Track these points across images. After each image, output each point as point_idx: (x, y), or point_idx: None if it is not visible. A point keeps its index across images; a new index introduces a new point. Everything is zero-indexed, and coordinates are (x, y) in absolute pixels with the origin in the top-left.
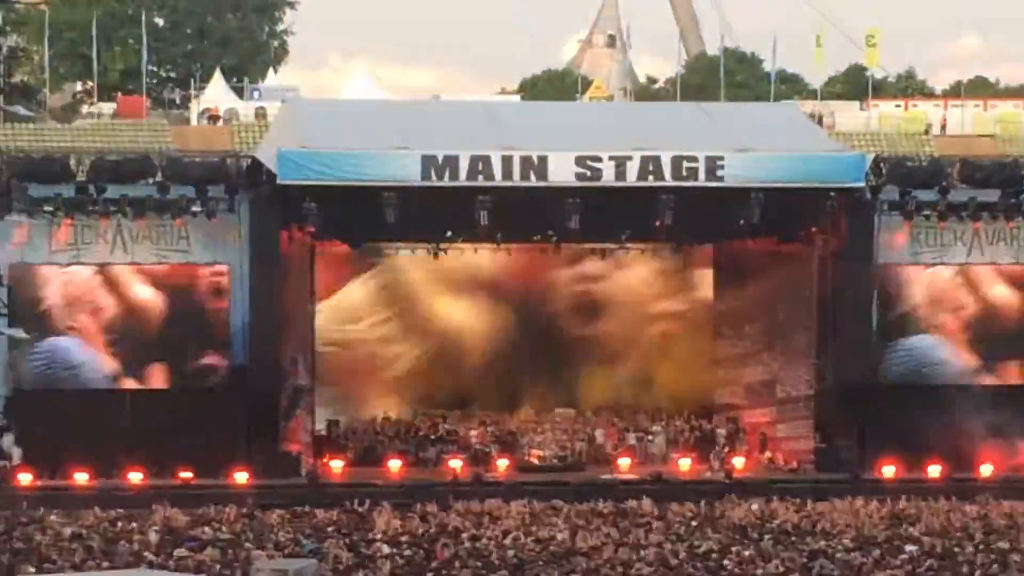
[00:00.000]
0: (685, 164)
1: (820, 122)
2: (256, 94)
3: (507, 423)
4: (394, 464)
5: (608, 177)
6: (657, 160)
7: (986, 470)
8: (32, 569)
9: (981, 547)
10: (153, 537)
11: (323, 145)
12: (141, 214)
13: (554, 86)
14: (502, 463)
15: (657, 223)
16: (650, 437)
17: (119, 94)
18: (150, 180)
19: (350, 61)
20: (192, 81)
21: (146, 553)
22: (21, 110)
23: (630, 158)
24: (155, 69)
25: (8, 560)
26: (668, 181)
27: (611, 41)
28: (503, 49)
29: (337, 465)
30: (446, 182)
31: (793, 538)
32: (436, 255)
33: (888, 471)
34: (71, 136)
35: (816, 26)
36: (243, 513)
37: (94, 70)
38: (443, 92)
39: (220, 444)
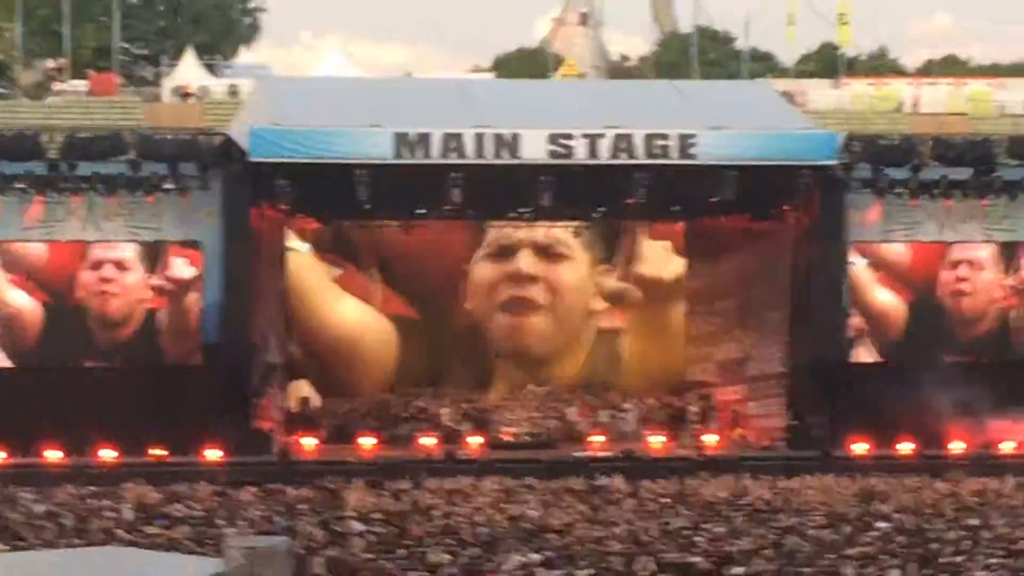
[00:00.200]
0: (658, 142)
1: (792, 100)
2: (228, 71)
3: (479, 401)
4: (366, 442)
5: (580, 155)
6: (630, 138)
7: (957, 447)
8: (3, 547)
9: (952, 524)
10: (128, 515)
11: (295, 123)
12: (113, 191)
13: (527, 64)
14: (474, 441)
15: (630, 201)
16: (622, 415)
17: (91, 71)
18: (122, 157)
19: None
20: (164, 58)
21: (118, 530)
22: None
23: (602, 136)
24: (127, 46)
25: None
26: (641, 159)
27: (584, 19)
28: (476, 27)
29: (309, 443)
30: (418, 160)
31: (765, 515)
32: (408, 232)
33: (859, 448)
34: (43, 113)
35: (788, 4)
36: (215, 491)
37: (66, 47)
38: (416, 70)
39: (192, 422)
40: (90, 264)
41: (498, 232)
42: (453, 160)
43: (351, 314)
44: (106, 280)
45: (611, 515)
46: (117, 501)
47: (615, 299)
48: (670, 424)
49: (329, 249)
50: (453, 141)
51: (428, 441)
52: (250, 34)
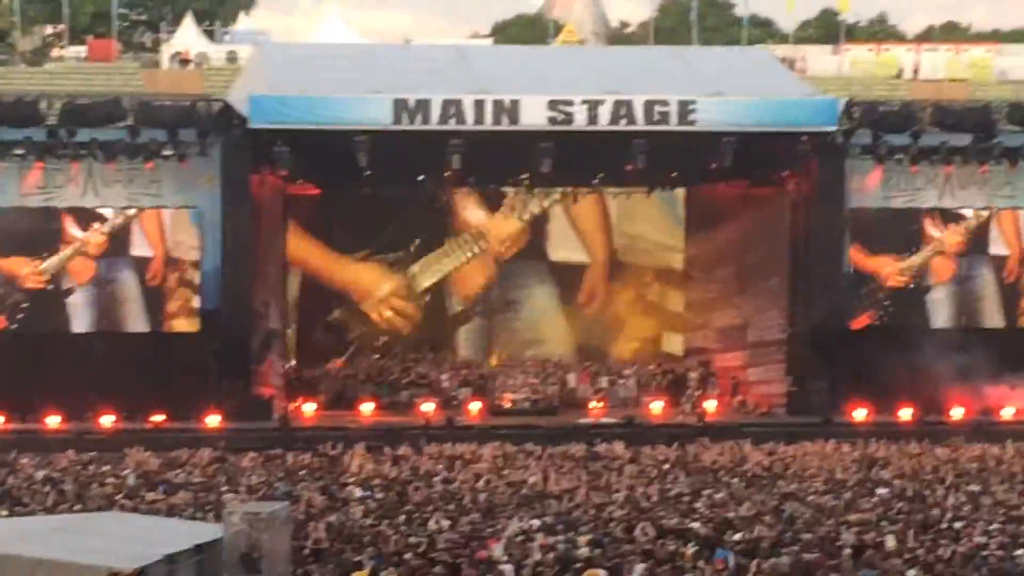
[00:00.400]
0: (657, 108)
1: (792, 66)
2: (227, 38)
3: (480, 367)
4: (366, 408)
5: (580, 121)
6: (629, 104)
7: (957, 413)
8: (4, 512)
9: (952, 490)
10: (131, 480)
11: (295, 89)
12: (112, 158)
13: (526, 30)
14: (474, 407)
15: (629, 167)
16: (622, 381)
17: (90, 37)
18: (121, 124)
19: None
20: (163, 25)
21: (118, 496)
22: None
23: (602, 102)
24: (126, 12)
25: None
26: (640, 125)
27: None
28: None
29: (309, 408)
30: (418, 126)
31: (764, 481)
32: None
33: (859, 414)
34: (41, 79)
35: None
36: (215, 457)
37: (64, 13)
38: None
39: (192, 388)
40: None
41: None
42: (452, 126)
43: None
44: None
45: (611, 481)
46: (118, 467)
47: None
48: (670, 390)
49: None
50: (452, 107)
51: (428, 407)
52: (249, 0)
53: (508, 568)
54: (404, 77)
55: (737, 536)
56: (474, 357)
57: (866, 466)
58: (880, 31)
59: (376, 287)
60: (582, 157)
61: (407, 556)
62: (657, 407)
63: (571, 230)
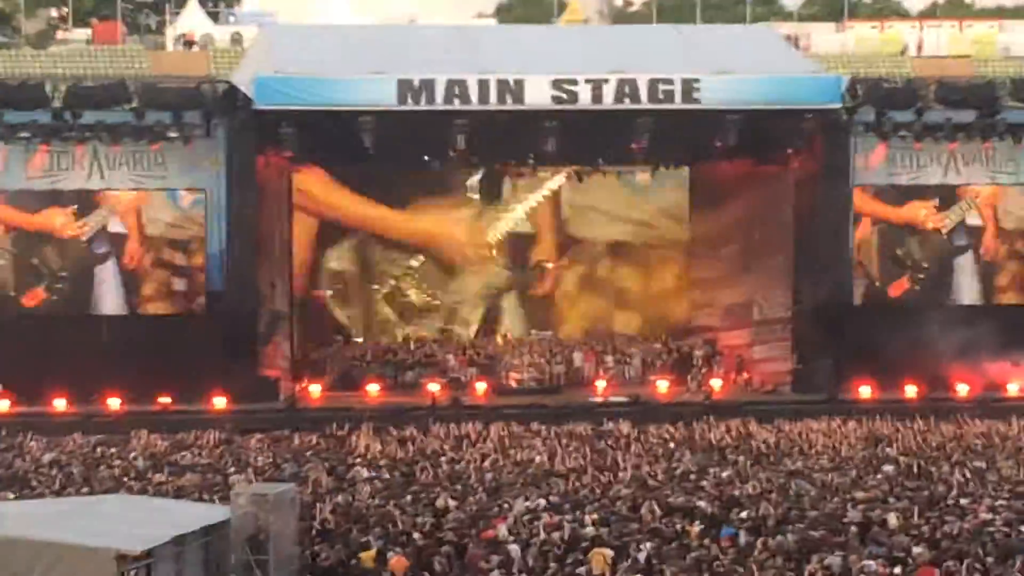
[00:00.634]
0: (661, 87)
1: (796, 44)
2: (232, 19)
3: (486, 347)
4: (372, 388)
5: (584, 100)
6: (633, 83)
7: (962, 390)
8: (12, 495)
9: (958, 466)
10: (141, 462)
11: (300, 70)
12: (117, 140)
13: (530, 10)
14: (480, 386)
15: (633, 146)
16: (628, 359)
17: (94, 20)
18: (126, 106)
19: None
20: (167, 6)
21: (126, 479)
22: None
23: (606, 81)
24: None
25: None
26: (644, 104)
27: None
28: None
29: (315, 389)
30: (423, 106)
31: (770, 459)
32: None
33: (864, 392)
34: (47, 62)
35: None
36: (222, 438)
37: None
38: (419, 16)
39: (198, 370)
40: None
41: None
42: (457, 106)
43: None
44: None
45: (617, 460)
46: (125, 450)
47: None
48: (675, 369)
49: None
50: (457, 87)
51: (434, 387)
52: None
53: (514, 547)
54: (409, 57)
55: (743, 514)
56: (480, 337)
57: (872, 443)
58: (884, 8)
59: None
60: (586, 136)
61: (414, 536)
62: (663, 386)
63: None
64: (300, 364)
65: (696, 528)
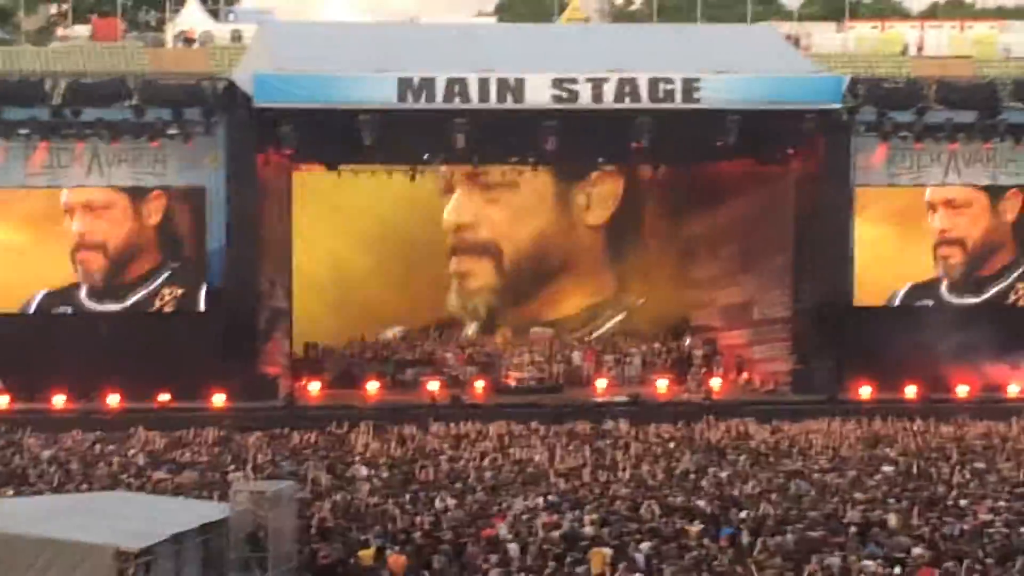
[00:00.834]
0: (662, 86)
1: (797, 44)
2: (232, 16)
3: (485, 345)
4: (372, 386)
5: (585, 99)
6: (634, 82)
7: (962, 391)
8: (10, 492)
9: (957, 467)
10: (140, 459)
11: (300, 68)
12: (117, 137)
13: (531, 8)
14: (480, 385)
15: (634, 145)
16: (627, 359)
17: (94, 16)
18: (126, 103)
19: None
20: (167, 4)
21: (124, 476)
22: None
23: (607, 80)
24: None
25: None
26: (645, 103)
27: None
28: None
29: (315, 387)
30: (423, 104)
31: (770, 459)
32: (413, 177)
33: (864, 392)
34: (46, 59)
35: None
36: (221, 436)
37: None
38: (420, 14)
39: (198, 367)
40: None
41: None
42: (457, 104)
43: None
44: None
45: (617, 459)
46: (124, 447)
47: None
48: (675, 368)
49: None
50: (457, 85)
51: (434, 386)
52: None
53: (513, 546)
54: (409, 55)
55: (742, 514)
56: (480, 335)
57: (871, 444)
58: (885, 8)
59: None
60: (587, 135)
61: (413, 534)
62: (662, 385)
63: None
64: (299, 362)
65: (695, 528)
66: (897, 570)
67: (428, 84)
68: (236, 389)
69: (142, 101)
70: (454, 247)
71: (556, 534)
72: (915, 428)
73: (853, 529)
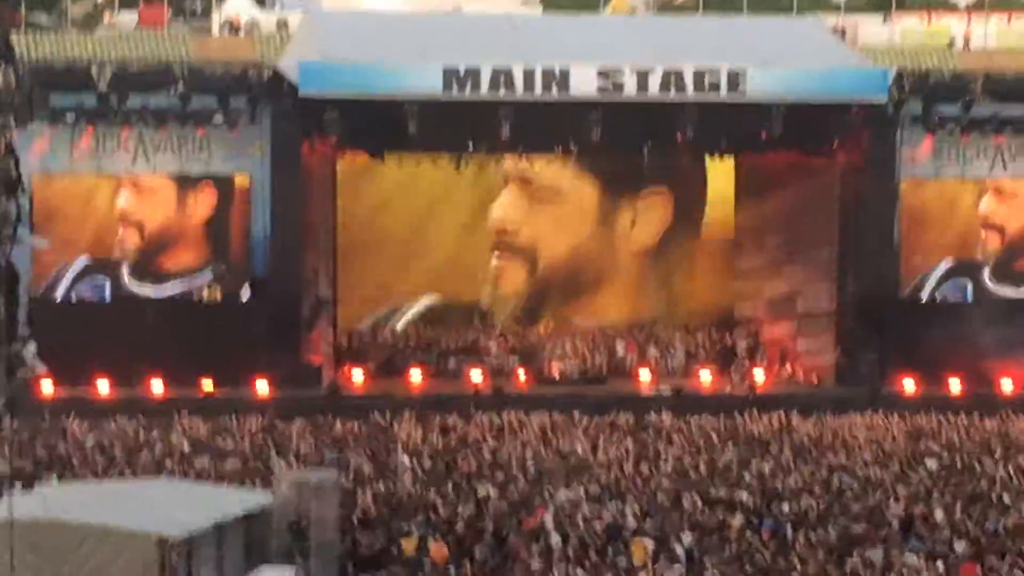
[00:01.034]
0: (707, 77)
1: (843, 36)
2: (277, 5)
3: (527, 335)
4: (415, 375)
5: (630, 90)
6: (679, 73)
7: (1007, 385)
8: (54, 478)
9: (1001, 462)
10: (182, 447)
11: (345, 57)
12: (162, 124)
13: None
14: (522, 375)
15: (679, 136)
16: (671, 350)
17: (141, 3)
18: (171, 90)
19: None
20: None
21: (167, 463)
22: (43, 19)
23: (652, 71)
24: None
25: (30, 469)
26: (690, 94)
27: None
28: None
29: (358, 376)
30: (468, 94)
31: (813, 453)
32: (458, 167)
33: (908, 386)
34: (92, 46)
35: None
36: (264, 424)
37: None
38: (465, 3)
39: (241, 355)
40: None
41: None
42: (502, 95)
43: None
44: None
45: (659, 451)
46: (167, 434)
47: None
48: (719, 360)
49: None
50: (502, 76)
51: (476, 375)
52: None
53: (555, 537)
54: (454, 45)
55: (785, 507)
56: (523, 325)
57: (914, 438)
58: (932, 1)
59: None
60: (632, 126)
61: (455, 524)
62: (706, 377)
63: None
64: (343, 350)
65: (737, 520)
66: (940, 565)
67: (473, 74)
68: (279, 377)
69: (188, 88)
70: (495, 244)
71: (598, 525)
72: (959, 422)
73: (895, 523)
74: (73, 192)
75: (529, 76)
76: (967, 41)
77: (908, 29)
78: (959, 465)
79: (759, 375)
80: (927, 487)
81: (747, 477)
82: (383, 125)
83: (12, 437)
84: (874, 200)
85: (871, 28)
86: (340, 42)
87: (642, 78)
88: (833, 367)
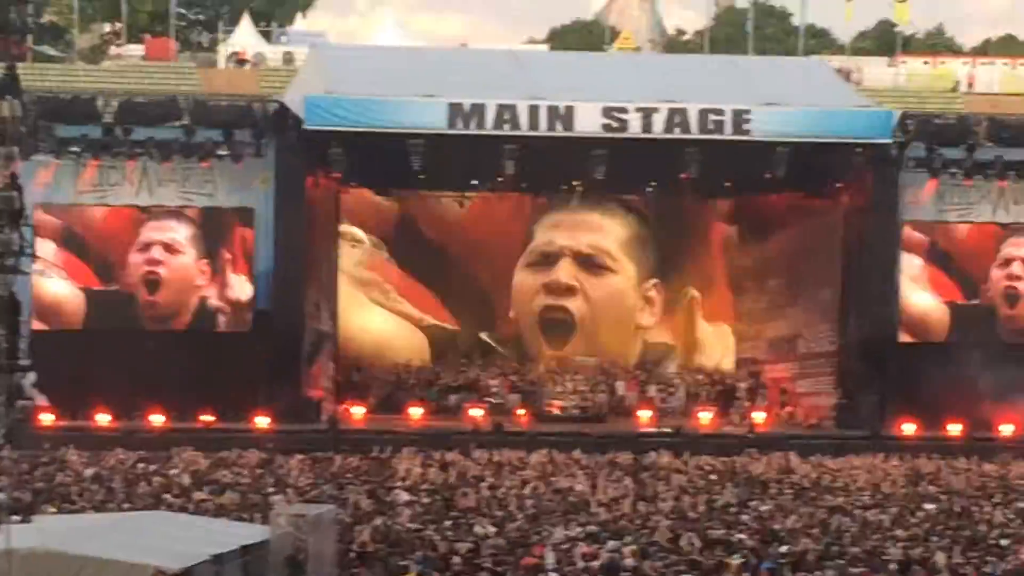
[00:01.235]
0: (712, 117)
1: (848, 78)
2: (284, 38)
3: (528, 373)
4: (415, 412)
5: (634, 128)
6: (684, 112)
7: (1006, 430)
8: (53, 509)
9: (1000, 506)
10: (181, 480)
11: (350, 91)
12: (167, 157)
13: (582, 36)
14: (522, 413)
15: (682, 175)
16: (671, 390)
17: (147, 36)
18: (177, 123)
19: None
20: (220, 24)
21: (166, 495)
22: (50, 50)
23: (657, 110)
24: (183, 11)
25: (29, 499)
26: (694, 134)
27: None
28: None
29: (358, 411)
30: (472, 130)
31: (812, 494)
32: (461, 203)
33: (908, 429)
34: (99, 77)
35: None
36: (264, 458)
37: (122, 11)
38: (471, 40)
39: (242, 388)
40: None
41: None
42: (507, 131)
43: None
44: None
45: (658, 490)
46: (166, 466)
47: None
48: (719, 400)
49: None
50: (507, 112)
51: (476, 412)
52: (306, 1)
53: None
54: (459, 81)
55: (783, 548)
56: (524, 363)
57: (914, 481)
58: (937, 44)
59: None
60: (635, 165)
61: (453, 561)
62: (706, 417)
63: None
64: (343, 385)
65: (735, 561)
66: None
67: (478, 110)
68: (280, 411)
69: (193, 121)
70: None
71: (596, 564)
72: (958, 466)
73: (894, 566)
74: (75, 221)
75: (534, 113)
76: (972, 84)
77: (913, 71)
78: (958, 509)
79: (759, 416)
80: (926, 530)
81: (746, 518)
82: (387, 160)
83: (11, 468)
84: (876, 242)
85: (876, 70)
86: (345, 77)
87: (647, 117)
88: (833, 409)
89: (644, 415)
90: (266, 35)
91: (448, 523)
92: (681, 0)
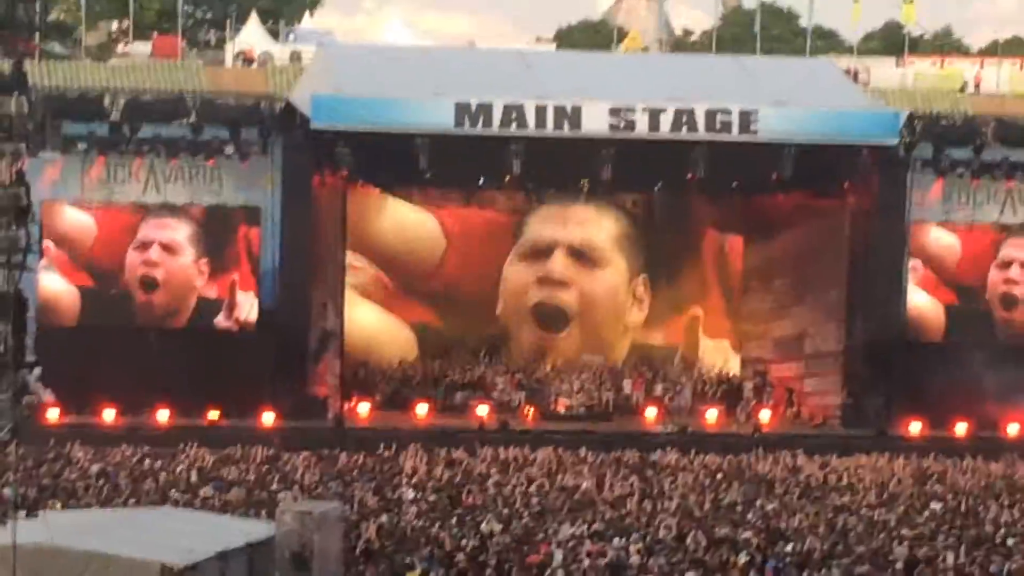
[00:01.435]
0: (719, 117)
1: (855, 78)
2: (291, 37)
3: (535, 371)
4: (421, 409)
5: (641, 128)
6: (691, 112)
7: (1012, 429)
8: (58, 505)
9: (1006, 506)
10: (192, 476)
11: (357, 90)
12: (174, 154)
13: (590, 36)
14: (529, 411)
15: (689, 175)
16: (678, 388)
17: (155, 34)
18: (184, 121)
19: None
20: (228, 23)
21: (172, 492)
22: (57, 48)
23: (664, 110)
24: (191, 10)
25: (35, 495)
26: (701, 133)
27: None
28: None
29: (364, 409)
30: (479, 130)
31: (818, 493)
32: (468, 202)
33: (914, 428)
34: (106, 75)
35: None
36: (269, 455)
37: (130, 9)
38: (478, 39)
39: (248, 385)
40: None
41: None
42: (514, 131)
43: None
44: None
45: (664, 489)
46: (172, 463)
47: None
48: (725, 399)
49: None
50: (514, 112)
51: (482, 410)
52: (314, 0)
53: (559, 573)
54: (466, 80)
55: (789, 547)
56: (530, 361)
57: (920, 480)
58: (944, 44)
59: None
60: (642, 164)
61: (458, 558)
62: (712, 416)
63: None
64: (349, 383)
65: (741, 560)
66: None
67: (485, 109)
68: (286, 408)
69: (200, 119)
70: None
71: (601, 562)
72: (964, 465)
73: (899, 565)
74: (83, 219)
75: (541, 112)
76: (979, 85)
77: (920, 72)
78: (964, 508)
79: (765, 415)
80: (932, 529)
81: (751, 516)
82: (394, 159)
83: (17, 464)
84: (883, 242)
85: (883, 71)
86: (353, 76)
87: (654, 117)
88: (840, 408)
89: (650, 413)
90: (273, 34)
91: (454, 520)
92: (688, 0)
